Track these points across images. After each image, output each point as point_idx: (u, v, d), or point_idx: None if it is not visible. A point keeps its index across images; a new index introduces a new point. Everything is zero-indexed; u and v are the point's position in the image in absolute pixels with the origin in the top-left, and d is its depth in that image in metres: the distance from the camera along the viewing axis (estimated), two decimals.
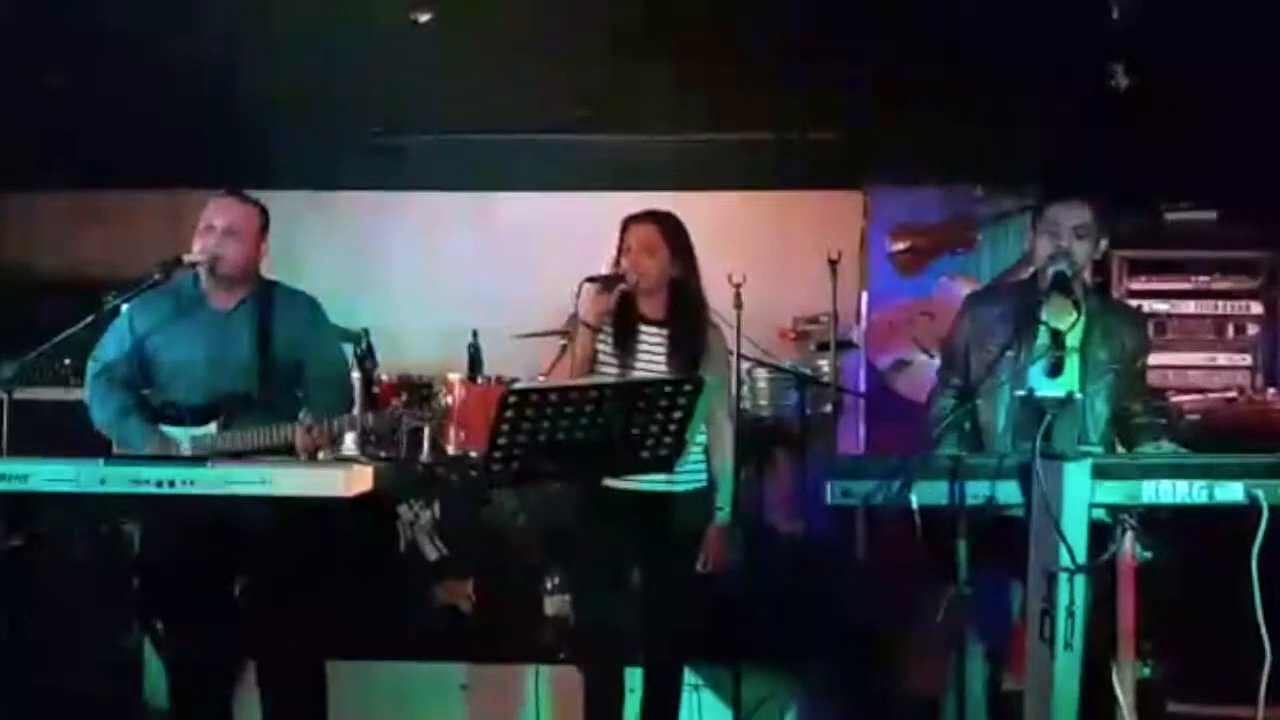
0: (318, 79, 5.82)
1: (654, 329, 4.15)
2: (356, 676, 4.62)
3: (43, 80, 5.71)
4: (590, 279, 4.02)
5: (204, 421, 3.96)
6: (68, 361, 5.51)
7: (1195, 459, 3.41)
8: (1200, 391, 5.28)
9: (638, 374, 4.05)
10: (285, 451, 3.93)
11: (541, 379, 5.59)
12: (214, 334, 4.00)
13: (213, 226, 3.95)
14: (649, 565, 4.14)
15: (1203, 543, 3.87)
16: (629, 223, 4.15)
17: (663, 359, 4.11)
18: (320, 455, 4.03)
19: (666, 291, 4.15)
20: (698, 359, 4.09)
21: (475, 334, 6.07)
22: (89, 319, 3.96)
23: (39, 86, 5.76)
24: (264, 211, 4.07)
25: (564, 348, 5.60)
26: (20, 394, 5.58)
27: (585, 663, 4.23)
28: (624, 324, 4.13)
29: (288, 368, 4.05)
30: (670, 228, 4.14)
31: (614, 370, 4.09)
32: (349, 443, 5.58)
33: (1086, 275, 3.92)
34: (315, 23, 5.22)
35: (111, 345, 4.06)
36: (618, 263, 4.11)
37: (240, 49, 5.45)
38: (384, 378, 5.76)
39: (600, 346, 4.12)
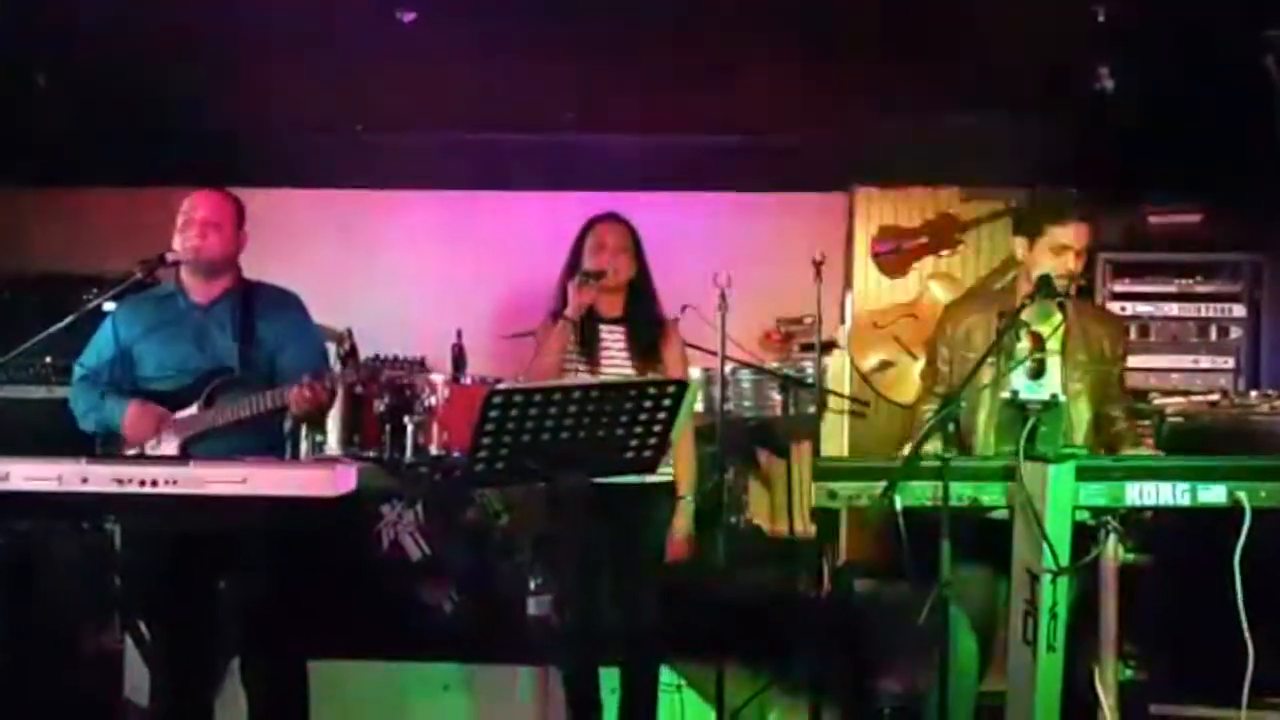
0: (303, 76, 5.80)
1: (613, 327, 4.30)
2: (339, 676, 4.61)
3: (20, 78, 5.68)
4: (582, 274, 4.18)
5: (188, 402, 3.97)
6: (49, 360, 5.48)
7: (1178, 461, 3.42)
8: (1183, 394, 5.28)
9: (603, 371, 4.20)
10: (276, 414, 3.93)
11: (521, 378, 5.59)
12: (196, 326, 4.02)
13: (192, 219, 4.00)
14: (619, 559, 4.17)
15: (1185, 545, 3.88)
16: (600, 222, 4.32)
17: (624, 356, 4.25)
18: (304, 446, 4.00)
19: (624, 290, 4.31)
20: (659, 354, 4.25)
21: (459, 334, 6.04)
22: (70, 318, 4.03)
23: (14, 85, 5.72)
24: (239, 203, 4.13)
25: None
26: (1, 392, 5.59)
27: (567, 663, 4.23)
28: (587, 323, 4.26)
29: (267, 361, 4.06)
30: (632, 229, 4.35)
31: (581, 368, 4.22)
32: (332, 442, 5.56)
33: None
34: (301, 18, 5.21)
35: (95, 352, 4.10)
36: (577, 260, 4.26)
37: (223, 44, 5.43)
38: None
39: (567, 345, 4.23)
